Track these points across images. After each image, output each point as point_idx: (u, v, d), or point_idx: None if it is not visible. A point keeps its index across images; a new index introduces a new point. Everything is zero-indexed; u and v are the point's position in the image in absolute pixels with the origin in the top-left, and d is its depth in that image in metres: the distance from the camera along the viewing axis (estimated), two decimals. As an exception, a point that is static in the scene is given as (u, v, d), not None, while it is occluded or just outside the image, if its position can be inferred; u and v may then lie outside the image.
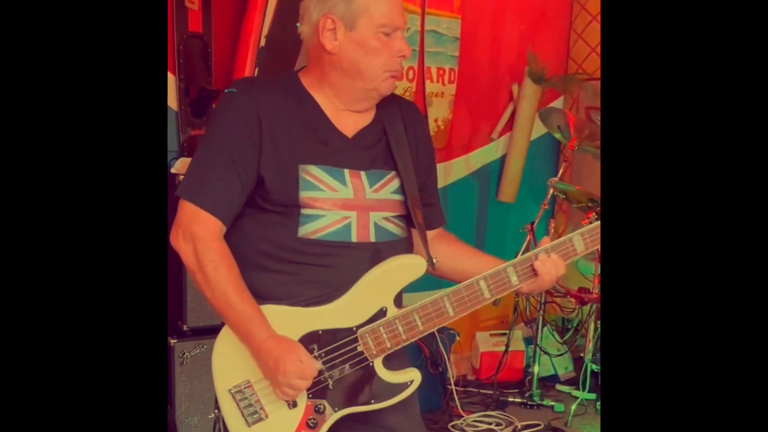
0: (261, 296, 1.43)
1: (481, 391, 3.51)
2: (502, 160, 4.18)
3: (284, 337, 1.41)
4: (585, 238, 1.46)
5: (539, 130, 4.15)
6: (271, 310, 1.43)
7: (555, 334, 3.70)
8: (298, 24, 1.50)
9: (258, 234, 1.46)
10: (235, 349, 1.44)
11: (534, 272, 1.45)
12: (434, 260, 1.51)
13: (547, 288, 1.49)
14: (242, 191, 1.43)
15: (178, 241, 1.42)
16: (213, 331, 2.72)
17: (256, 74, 3.14)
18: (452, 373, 2.73)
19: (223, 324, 1.48)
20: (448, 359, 2.90)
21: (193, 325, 2.64)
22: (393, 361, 1.48)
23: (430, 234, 1.60)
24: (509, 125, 4.17)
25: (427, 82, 3.81)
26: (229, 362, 1.47)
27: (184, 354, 2.60)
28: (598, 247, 1.44)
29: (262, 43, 3.15)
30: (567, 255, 1.46)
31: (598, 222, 1.44)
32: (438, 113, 3.84)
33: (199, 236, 1.40)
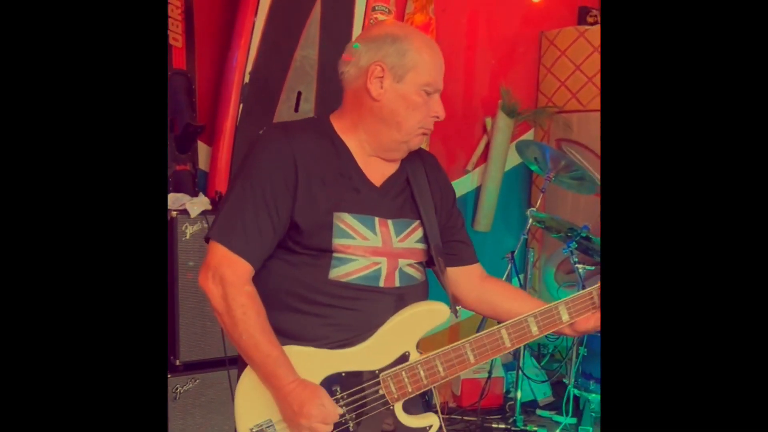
0: (288, 336, 1.46)
1: (464, 418, 3.57)
2: (478, 191, 4.29)
3: (308, 382, 1.44)
4: (569, 306, 1.53)
5: (512, 161, 4.29)
6: (294, 351, 1.45)
7: (533, 359, 3.79)
8: (341, 69, 1.53)
9: (288, 275, 1.48)
10: (258, 389, 1.47)
11: (551, 324, 1.52)
12: (458, 307, 1.58)
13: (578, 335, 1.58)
14: (274, 236, 1.45)
15: (207, 283, 1.43)
16: (205, 366, 2.76)
17: (240, 110, 3.18)
18: (437, 401, 2.74)
19: (224, 360, 1.50)
20: (433, 387, 2.95)
21: (185, 359, 2.63)
22: (411, 405, 1.52)
23: (475, 271, 1.67)
24: (484, 157, 4.29)
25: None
26: (251, 401, 1.48)
27: (177, 389, 2.60)
28: (583, 316, 1.53)
29: (246, 79, 3.18)
30: (553, 324, 1.55)
31: (584, 291, 1.53)
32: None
33: (228, 280, 1.42)
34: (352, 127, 1.54)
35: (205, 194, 2.92)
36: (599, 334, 3.00)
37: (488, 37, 4.28)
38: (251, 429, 1.47)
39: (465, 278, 1.67)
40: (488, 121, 4.28)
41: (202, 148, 3.20)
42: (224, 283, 1.42)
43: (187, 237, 2.59)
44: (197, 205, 2.64)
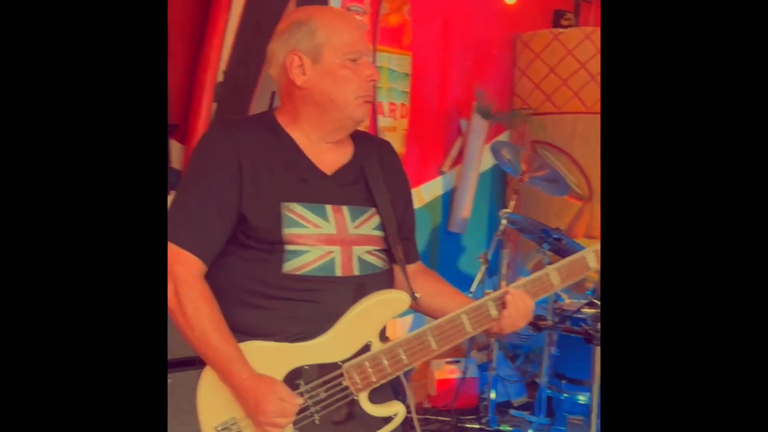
0: (246, 332, 1.45)
1: (439, 418, 3.58)
2: (453, 192, 4.31)
3: (264, 376, 1.43)
4: (561, 272, 1.53)
5: (487, 163, 4.31)
6: (255, 347, 1.44)
7: (507, 360, 3.81)
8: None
9: (241, 271, 1.47)
10: (219, 387, 1.45)
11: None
12: (416, 295, 1.56)
13: (522, 325, 1.53)
14: (224, 230, 1.45)
15: None
16: (173, 366, 2.72)
17: (214, 109, 3.17)
18: (412, 401, 2.77)
19: (193, 360, 1.48)
20: (408, 386, 2.95)
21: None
22: (376, 395, 1.52)
23: (410, 268, 1.65)
24: (458, 159, 4.31)
25: (380, 116, 3.92)
26: (214, 400, 1.47)
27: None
28: (574, 280, 1.53)
29: (220, 78, 3.18)
30: (544, 290, 1.53)
31: (574, 256, 1.53)
32: (391, 147, 3.94)
33: (180, 277, 1.42)
34: (294, 120, 1.54)
35: (177, 193, 2.91)
36: (572, 335, 3.04)
37: (463, 38, 4.30)
38: (216, 428, 1.46)
39: (402, 276, 1.64)
40: (463, 122, 4.30)
41: (175, 147, 3.19)
42: (176, 280, 1.42)
43: (158, 235, 2.58)
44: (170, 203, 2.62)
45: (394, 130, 3.98)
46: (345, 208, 1.51)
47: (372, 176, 1.56)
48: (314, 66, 1.48)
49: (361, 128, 1.64)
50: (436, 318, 1.54)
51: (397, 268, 1.61)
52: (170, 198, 2.75)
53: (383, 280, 1.56)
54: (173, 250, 1.43)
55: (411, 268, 1.67)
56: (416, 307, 1.62)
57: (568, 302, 3.21)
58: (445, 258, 4.26)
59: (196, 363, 1.49)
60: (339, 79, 1.48)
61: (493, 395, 3.46)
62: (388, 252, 1.58)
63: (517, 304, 1.51)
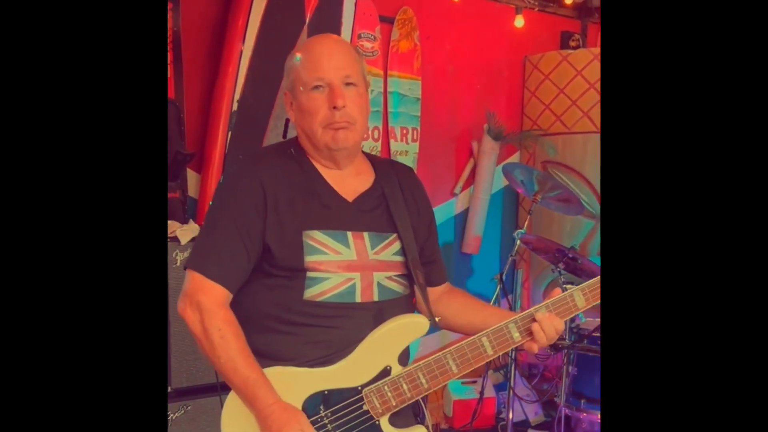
0: (268, 357, 1.47)
1: (457, 440, 3.57)
2: (465, 213, 4.33)
3: (289, 405, 1.45)
4: (586, 293, 1.53)
5: (499, 184, 4.34)
6: (277, 372, 1.46)
7: (524, 379, 3.80)
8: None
9: (264, 297, 1.50)
10: (243, 413, 1.47)
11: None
12: (437, 319, 1.57)
13: (548, 344, 1.53)
14: (249, 260, 1.48)
15: (186, 310, 1.46)
16: (197, 392, 2.75)
17: (228, 138, 3.22)
18: (430, 422, 2.77)
19: (216, 386, 1.51)
20: (425, 408, 2.96)
21: (176, 386, 2.63)
22: (398, 418, 1.54)
23: (437, 290, 1.68)
24: (470, 180, 4.34)
25: (392, 141, 3.96)
26: (237, 425, 1.49)
27: (168, 416, 2.60)
28: (599, 301, 1.51)
29: (235, 107, 3.23)
30: (568, 311, 1.53)
31: (598, 278, 1.53)
32: (403, 170, 3.98)
33: (205, 306, 1.44)
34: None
35: (195, 221, 2.95)
36: (590, 354, 3.03)
37: (473, 61, 4.35)
38: None
39: (432, 298, 1.67)
40: (474, 144, 4.34)
41: (192, 176, 3.24)
42: (201, 308, 1.45)
43: (178, 264, 2.61)
44: (187, 232, 2.66)
45: (406, 154, 4.03)
46: (366, 234, 1.54)
47: (393, 201, 1.59)
48: (294, 102, 1.55)
49: (374, 152, 1.68)
50: (465, 334, 1.56)
51: (417, 292, 1.63)
52: (186, 226, 2.80)
53: (403, 304, 1.58)
54: (198, 280, 1.46)
55: (438, 289, 1.69)
56: (447, 326, 1.64)
57: (585, 321, 3.22)
58: (459, 279, 4.28)
59: (218, 389, 1.52)
60: (305, 112, 1.52)
61: (510, 415, 3.46)
62: (408, 276, 1.61)
63: (546, 326, 1.50)
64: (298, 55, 1.54)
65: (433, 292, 1.68)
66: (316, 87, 1.50)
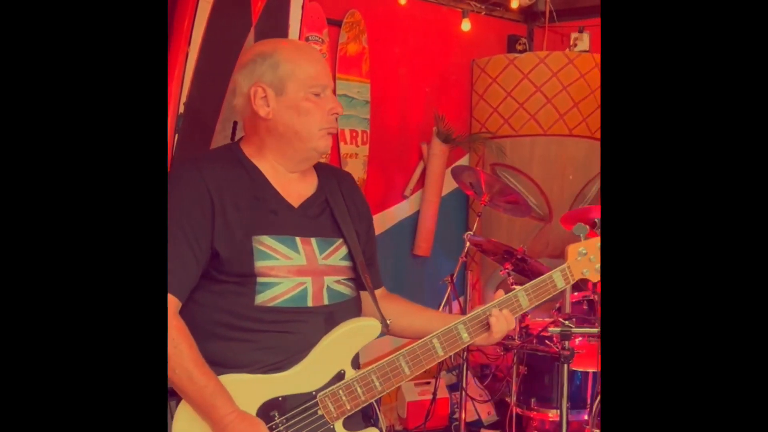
0: (220, 365, 1.45)
1: (411, 441, 3.58)
2: (416, 216, 4.35)
3: (247, 414, 1.43)
4: (529, 293, 1.58)
5: (449, 186, 4.37)
6: (230, 380, 1.44)
7: (476, 380, 3.84)
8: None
9: (214, 304, 1.48)
10: (196, 422, 1.44)
11: (482, 328, 1.56)
12: (388, 321, 1.59)
13: (497, 341, 1.58)
14: (197, 267, 1.46)
15: None
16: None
17: (175, 140, 3.15)
18: (384, 424, 2.78)
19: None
20: (379, 410, 2.95)
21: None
22: (351, 422, 1.54)
23: (377, 294, 1.67)
24: (420, 182, 4.37)
25: (342, 144, 3.95)
26: None
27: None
28: (542, 301, 1.57)
29: (181, 109, 3.17)
30: (514, 310, 1.57)
31: (541, 277, 1.57)
32: (353, 173, 3.97)
33: None
34: (259, 150, 1.56)
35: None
36: (539, 353, 3.08)
37: (421, 65, 4.38)
38: None
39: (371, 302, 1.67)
40: (424, 147, 4.36)
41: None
42: None
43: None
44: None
45: (356, 157, 4.02)
46: (313, 240, 1.54)
47: (336, 208, 1.59)
48: (278, 98, 1.51)
49: (325, 154, 1.67)
50: (407, 338, 1.57)
51: (365, 295, 1.63)
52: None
53: (352, 307, 1.59)
54: None
55: (377, 293, 1.69)
56: (387, 331, 1.64)
57: (535, 321, 3.27)
58: (412, 281, 4.29)
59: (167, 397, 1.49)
60: (302, 112, 1.51)
61: (463, 415, 3.48)
62: (355, 280, 1.61)
63: (500, 325, 1.55)
64: (284, 56, 1.51)
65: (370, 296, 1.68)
66: (316, 93, 1.51)
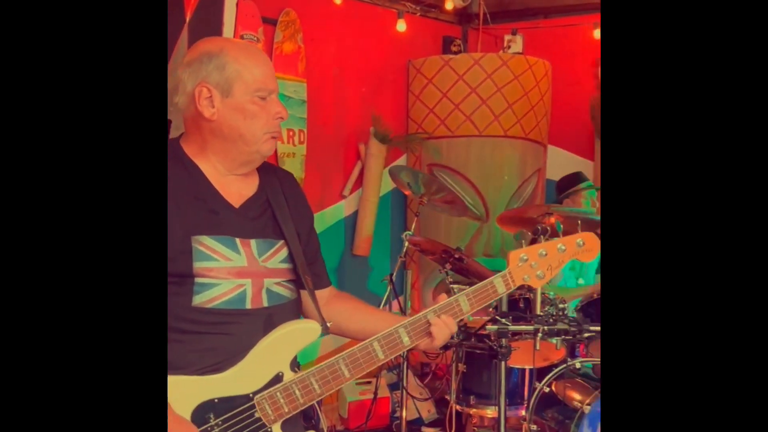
0: None
1: (352, 442, 3.57)
2: (355, 216, 4.35)
3: (180, 417, 1.40)
4: (470, 298, 1.58)
5: (387, 186, 4.39)
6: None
7: (416, 378, 3.86)
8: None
9: None
10: None
11: (424, 332, 1.55)
12: (328, 324, 1.57)
13: (440, 345, 1.57)
14: None
15: None
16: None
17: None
18: (325, 425, 2.77)
19: None
20: (320, 410, 2.93)
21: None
22: (288, 425, 1.51)
23: (324, 294, 1.67)
24: (359, 182, 4.37)
25: (278, 143, 3.91)
26: None
27: None
28: (483, 305, 1.57)
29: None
30: (455, 315, 1.57)
31: (483, 282, 1.58)
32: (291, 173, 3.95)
33: None
34: (201, 150, 1.53)
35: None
36: (477, 351, 3.12)
37: (357, 65, 4.38)
38: None
39: (322, 303, 1.66)
40: (362, 147, 4.36)
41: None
42: None
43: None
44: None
45: (293, 156, 3.99)
46: (252, 242, 1.51)
47: (278, 209, 1.57)
48: (224, 100, 1.48)
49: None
50: (358, 339, 1.56)
51: (307, 297, 1.61)
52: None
53: (292, 310, 1.57)
54: None
55: (324, 293, 1.68)
56: (338, 332, 1.63)
57: (472, 320, 3.30)
58: (352, 281, 4.28)
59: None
60: (248, 115, 1.49)
61: (404, 413, 3.49)
62: (296, 282, 1.59)
63: (441, 330, 1.55)
64: (232, 56, 1.48)
65: (320, 295, 1.66)
66: (262, 97, 1.49)
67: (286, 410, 1.48)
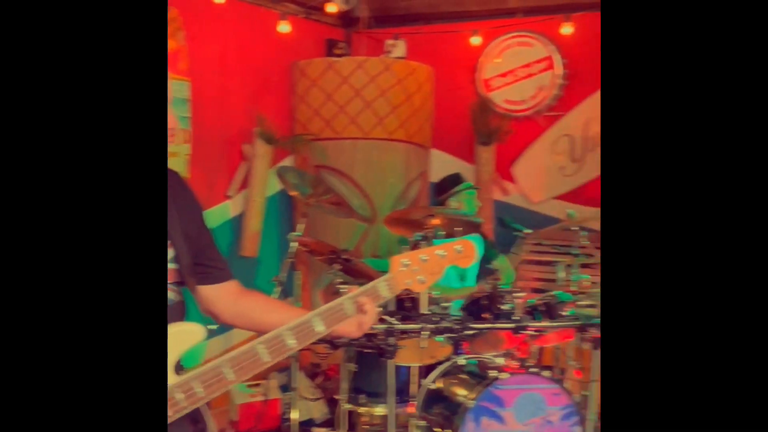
0: None
1: (242, 446, 3.53)
2: (241, 216, 4.29)
3: None
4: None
5: (274, 187, 4.36)
6: None
7: (307, 378, 3.87)
8: None
9: None
10: None
11: (311, 333, 1.55)
12: (211, 327, 1.55)
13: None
14: None
15: None
16: None
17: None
18: (214, 429, 2.73)
19: None
20: (208, 414, 2.87)
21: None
22: (174, 429, 1.48)
23: (231, 288, 1.67)
24: (245, 183, 4.31)
25: (161, 144, 3.80)
26: None
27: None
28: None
29: None
30: (339, 319, 1.57)
31: (365, 287, 1.59)
32: (174, 174, 3.84)
33: None
34: None
35: None
36: (367, 351, 3.15)
37: (241, 65, 4.33)
38: None
39: (221, 295, 1.66)
40: (247, 147, 4.32)
41: None
42: None
43: None
44: None
45: (176, 155, 3.89)
46: None
47: None
48: None
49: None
50: (261, 333, 1.55)
51: (206, 294, 1.61)
52: None
53: (174, 312, 1.54)
54: None
55: (230, 287, 1.67)
56: (251, 326, 1.64)
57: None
58: (240, 282, 4.22)
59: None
60: None
61: (295, 415, 3.50)
62: (181, 283, 1.57)
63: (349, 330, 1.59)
64: None
65: (227, 288, 1.66)
66: None
67: (170, 413, 1.45)
